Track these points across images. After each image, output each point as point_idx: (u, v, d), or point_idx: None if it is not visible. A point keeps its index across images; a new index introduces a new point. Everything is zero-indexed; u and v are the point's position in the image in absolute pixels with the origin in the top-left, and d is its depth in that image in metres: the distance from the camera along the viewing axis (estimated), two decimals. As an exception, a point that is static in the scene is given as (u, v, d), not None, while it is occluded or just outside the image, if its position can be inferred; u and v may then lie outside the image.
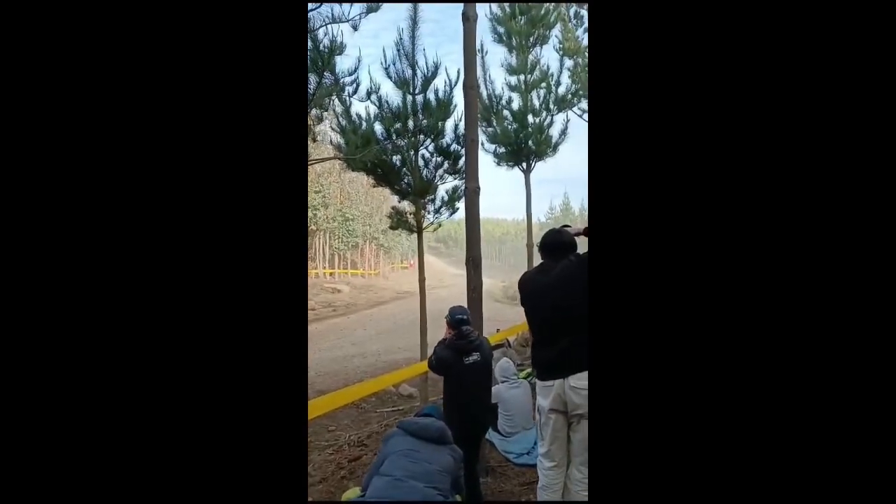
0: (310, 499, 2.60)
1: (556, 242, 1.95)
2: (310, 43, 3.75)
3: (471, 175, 3.12)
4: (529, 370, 4.59)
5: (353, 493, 1.96)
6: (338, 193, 26.67)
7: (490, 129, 6.93)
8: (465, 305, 2.74)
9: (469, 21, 3.12)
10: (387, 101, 4.96)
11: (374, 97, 4.82)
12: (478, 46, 3.17)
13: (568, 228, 2.01)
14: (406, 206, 5.49)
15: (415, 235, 5.27)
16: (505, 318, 10.15)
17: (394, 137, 4.96)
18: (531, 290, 1.98)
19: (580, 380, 1.72)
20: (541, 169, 7.25)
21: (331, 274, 24.89)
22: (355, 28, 3.87)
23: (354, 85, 4.51)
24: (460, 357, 2.41)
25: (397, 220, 5.36)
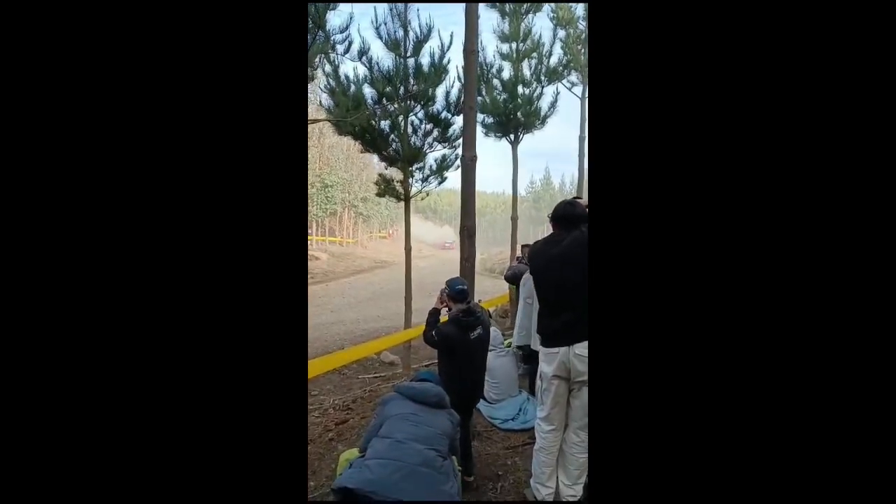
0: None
1: (567, 214, 1.95)
2: None
3: (468, 143, 3.06)
4: (509, 339, 4.69)
5: (350, 454, 1.98)
6: (317, 159, 25.95)
7: (479, 98, 6.78)
8: (449, 277, 2.57)
9: (472, -20, 3.00)
10: (377, 64, 4.76)
11: (364, 59, 4.62)
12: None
13: (580, 200, 2.01)
14: (393, 173, 5.37)
15: (394, 205, 5.20)
16: (484, 289, 10.27)
17: (384, 102, 4.79)
18: (541, 259, 1.99)
19: (585, 348, 1.77)
20: (521, 142, 7.15)
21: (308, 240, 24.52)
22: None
23: (347, 43, 4.30)
24: (466, 333, 2.32)
25: (384, 188, 5.25)
